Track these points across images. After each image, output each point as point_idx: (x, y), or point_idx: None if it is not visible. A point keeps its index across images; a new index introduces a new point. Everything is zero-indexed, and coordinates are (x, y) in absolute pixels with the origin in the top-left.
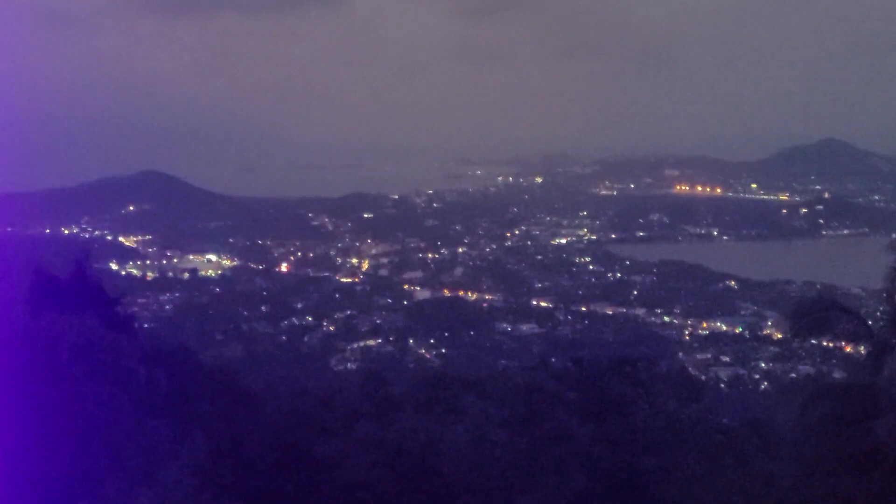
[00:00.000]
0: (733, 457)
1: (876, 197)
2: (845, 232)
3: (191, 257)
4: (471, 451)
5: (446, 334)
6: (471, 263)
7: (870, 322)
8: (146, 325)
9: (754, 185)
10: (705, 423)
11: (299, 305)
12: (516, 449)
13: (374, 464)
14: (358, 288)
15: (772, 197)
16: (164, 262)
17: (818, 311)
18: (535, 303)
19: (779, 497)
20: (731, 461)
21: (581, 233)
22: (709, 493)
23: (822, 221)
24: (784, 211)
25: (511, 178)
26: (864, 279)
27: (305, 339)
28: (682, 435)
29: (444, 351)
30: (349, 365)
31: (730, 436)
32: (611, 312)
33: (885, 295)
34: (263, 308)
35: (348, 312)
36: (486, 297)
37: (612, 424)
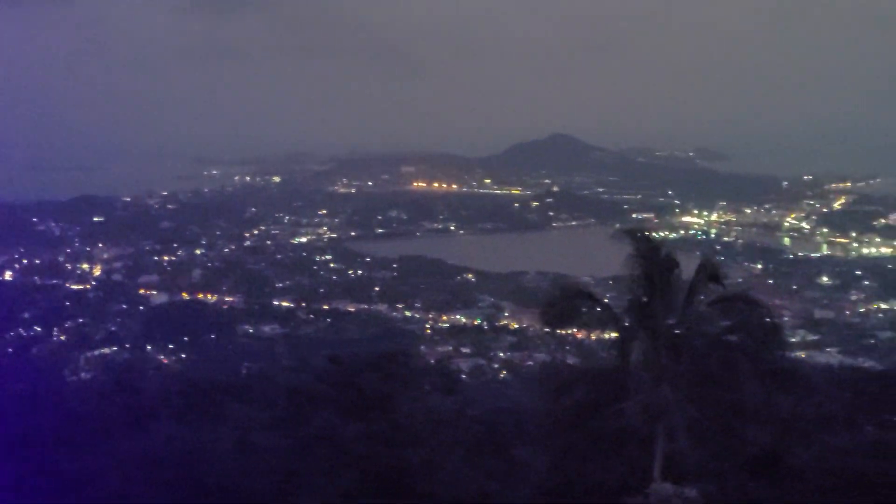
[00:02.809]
0: (491, 445)
1: (601, 189)
2: (574, 223)
3: None
4: (234, 457)
5: (186, 339)
6: (209, 265)
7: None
8: None
9: (488, 181)
10: (463, 414)
11: (26, 315)
12: (281, 451)
13: (130, 477)
14: (90, 294)
15: (505, 191)
16: None
17: (566, 301)
18: (276, 303)
19: (536, 481)
20: (489, 449)
21: (321, 231)
22: (469, 483)
23: (552, 214)
24: (517, 204)
25: (248, 178)
26: (593, 268)
27: (34, 350)
28: (442, 427)
29: (184, 356)
30: (83, 375)
31: (486, 425)
32: (353, 309)
33: (628, 283)
34: None
35: (80, 320)
36: (227, 299)
37: (375, 421)
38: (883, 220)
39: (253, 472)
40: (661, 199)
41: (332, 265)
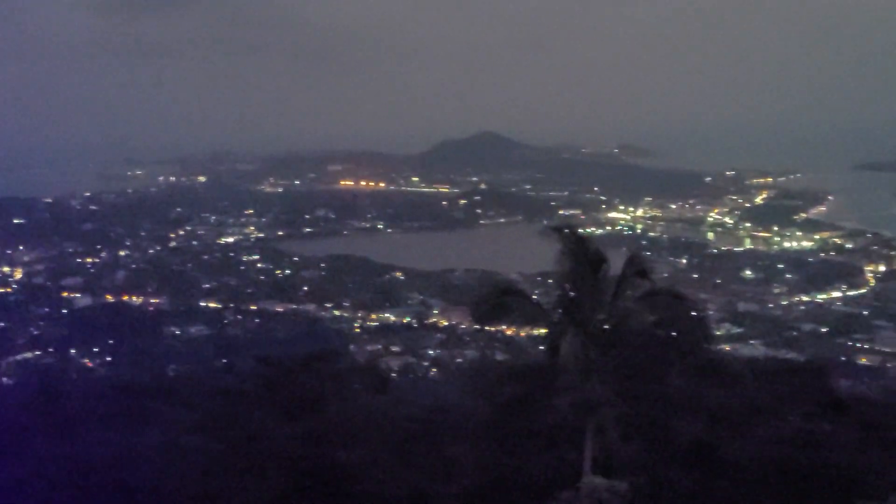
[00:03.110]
0: (423, 444)
1: (528, 186)
2: (502, 220)
3: None
4: (164, 460)
5: (111, 342)
6: (134, 266)
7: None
8: None
9: (416, 178)
10: (393, 413)
11: None
12: (212, 453)
13: (55, 483)
14: (11, 298)
15: (433, 189)
16: None
17: (495, 298)
18: (203, 304)
19: (467, 478)
20: (422, 448)
21: (248, 231)
22: (401, 482)
23: (479, 211)
24: (445, 202)
25: (174, 178)
26: (521, 265)
27: None
28: (374, 426)
29: (109, 359)
30: (5, 380)
31: (417, 423)
32: (281, 309)
33: (557, 279)
34: None
35: (2, 325)
36: (153, 301)
37: (306, 421)
38: (804, 214)
39: (181, 476)
40: (588, 196)
41: (259, 265)
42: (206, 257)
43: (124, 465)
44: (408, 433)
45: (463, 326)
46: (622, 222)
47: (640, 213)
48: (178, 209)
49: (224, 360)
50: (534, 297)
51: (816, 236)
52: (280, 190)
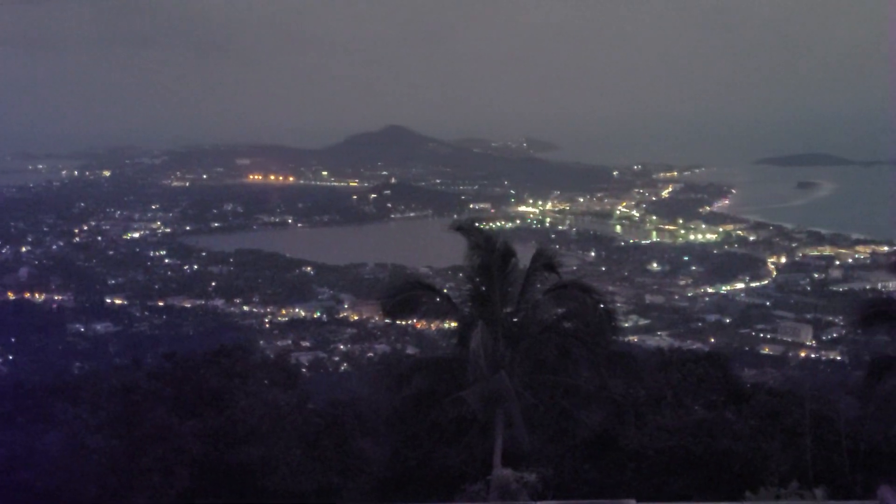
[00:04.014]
0: (331, 438)
1: (438, 181)
2: (412, 215)
3: None
4: (66, 461)
5: (13, 339)
6: (36, 262)
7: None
8: None
9: (325, 173)
10: (302, 408)
11: None
12: (115, 453)
13: None
14: None
15: (342, 183)
16: None
17: (406, 292)
18: (109, 300)
19: (377, 472)
20: (330, 443)
21: (154, 226)
22: (310, 477)
23: (389, 205)
24: (355, 197)
25: (76, 172)
26: (431, 259)
27: None
28: (282, 422)
29: (11, 357)
30: None
31: (327, 418)
32: (189, 305)
33: (467, 273)
34: None
35: None
36: (56, 298)
37: (212, 418)
38: (708, 208)
39: (85, 475)
40: (498, 189)
41: (166, 260)
42: (111, 253)
43: (22, 465)
44: (316, 428)
45: (373, 321)
46: (532, 216)
47: (549, 206)
48: (82, 204)
49: (131, 358)
50: (444, 290)
51: (720, 229)
52: (187, 184)
